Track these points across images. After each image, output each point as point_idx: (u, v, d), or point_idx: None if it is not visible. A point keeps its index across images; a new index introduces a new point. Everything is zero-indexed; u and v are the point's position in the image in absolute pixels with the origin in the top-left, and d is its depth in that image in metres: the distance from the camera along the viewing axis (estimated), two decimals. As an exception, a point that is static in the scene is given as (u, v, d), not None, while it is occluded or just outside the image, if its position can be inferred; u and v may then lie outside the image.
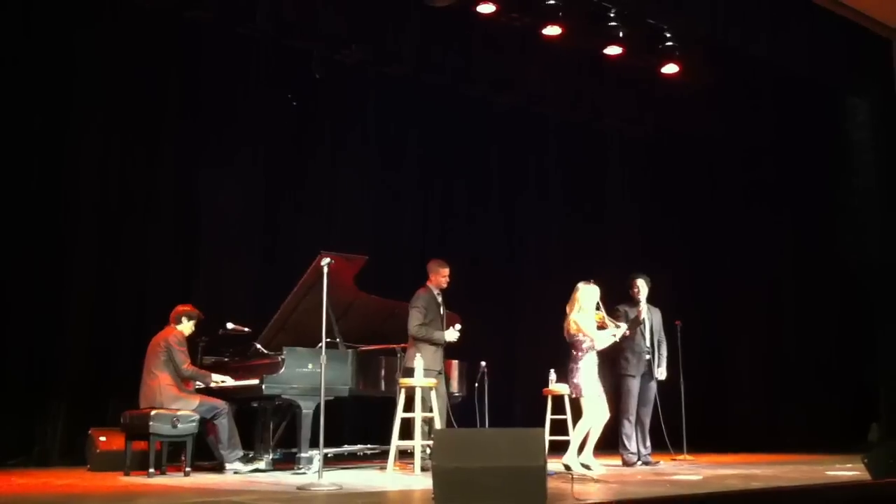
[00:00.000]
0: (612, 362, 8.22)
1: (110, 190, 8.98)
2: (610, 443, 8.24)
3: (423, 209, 11.18)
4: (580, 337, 7.17)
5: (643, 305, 8.28)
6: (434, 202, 11.35)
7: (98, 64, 8.91)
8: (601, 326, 7.38)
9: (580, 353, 7.16)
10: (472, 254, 10.87)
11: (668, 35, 9.71)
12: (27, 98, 8.48)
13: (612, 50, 9.68)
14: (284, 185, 10.12)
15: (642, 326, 8.23)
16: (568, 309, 7.31)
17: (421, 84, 10.45)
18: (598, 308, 7.35)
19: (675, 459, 8.69)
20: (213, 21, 9.05)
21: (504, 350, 10.94)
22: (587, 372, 7.13)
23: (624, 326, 7.60)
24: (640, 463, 8.05)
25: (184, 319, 7.50)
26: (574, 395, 7.32)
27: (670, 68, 10.02)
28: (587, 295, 7.29)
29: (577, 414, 7.43)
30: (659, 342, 8.37)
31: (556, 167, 12.36)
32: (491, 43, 9.78)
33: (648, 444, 8.25)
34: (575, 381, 7.15)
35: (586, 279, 7.38)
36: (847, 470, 6.74)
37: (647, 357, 8.24)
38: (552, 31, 9.33)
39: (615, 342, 7.54)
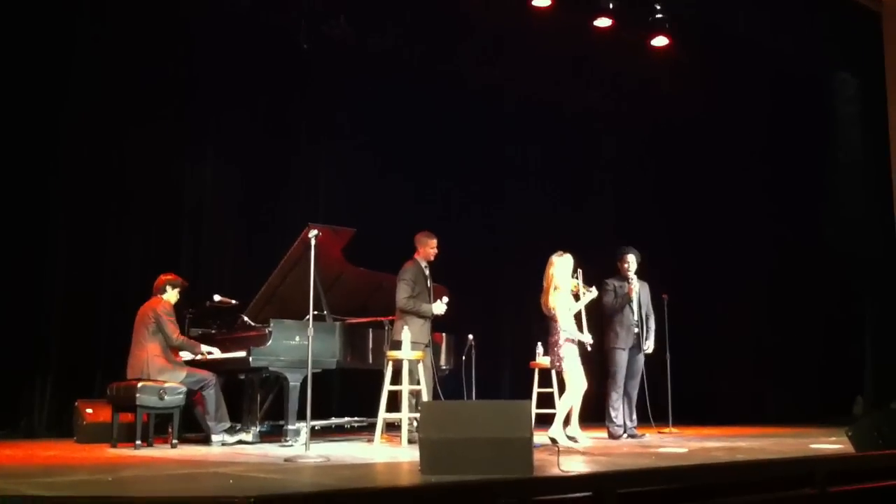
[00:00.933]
0: (601, 335, 8.24)
1: (88, 171, 8.93)
2: (596, 415, 8.28)
3: (411, 192, 11.10)
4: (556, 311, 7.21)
5: (634, 281, 8.26)
6: (422, 186, 11.27)
7: (84, 57, 8.88)
8: (576, 294, 7.36)
9: (559, 327, 7.16)
10: (459, 231, 10.78)
11: (658, 7, 9.67)
12: (9, 84, 8.43)
13: (602, 22, 9.62)
14: (271, 174, 10.11)
15: (630, 300, 8.25)
16: (545, 283, 7.29)
17: (409, 72, 10.42)
18: (574, 275, 7.33)
19: (660, 432, 8.73)
20: (204, 10, 9.06)
21: (491, 323, 10.95)
22: (567, 345, 7.14)
23: (594, 292, 7.53)
24: (625, 436, 8.08)
25: (168, 288, 7.48)
26: (556, 369, 7.34)
27: (660, 41, 9.97)
28: (561, 268, 7.23)
29: (564, 387, 7.46)
30: (647, 315, 8.39)
31: (544, 152, 12.34)
32: (480, 32, 9.77)
33: (634, 417, 8.27)
34: (557, 353, 7.17)
35: (560, 251, 7.34)
36: (831, 443, 6.79)
37: (636, 331, 8.24)
38: (542, 2, 9.28)
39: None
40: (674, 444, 7.20)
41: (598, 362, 8.20)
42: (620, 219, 12.31)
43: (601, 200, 12.65)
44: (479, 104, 11.37)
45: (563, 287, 7.21)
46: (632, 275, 8.29)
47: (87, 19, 8.96)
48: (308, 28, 9.56)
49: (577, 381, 7.10)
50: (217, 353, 7.54)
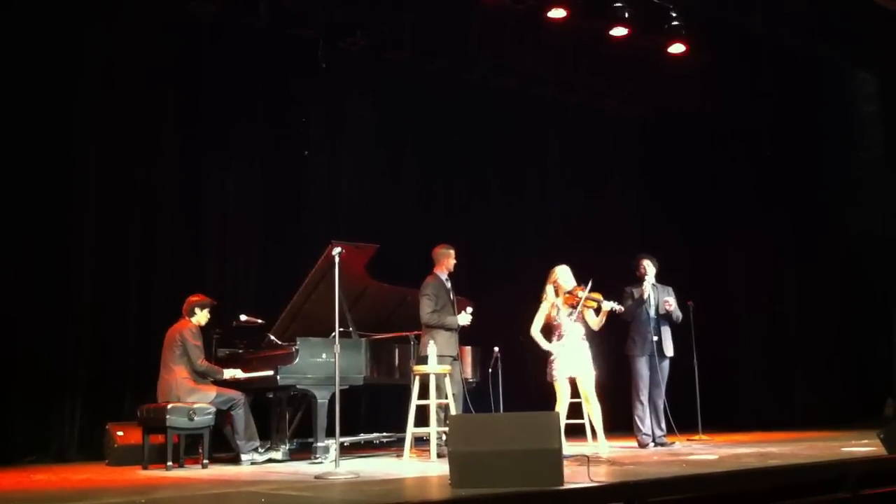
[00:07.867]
0: (621, 344, 8.23)
1: (113, 189, 8.95)
2: (625, 424, 8.25)
3: (424, 196, 11.15)
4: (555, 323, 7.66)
5: (647, 285, 8.14)
6: (436, 189, 11.32)
7: (101, 63, 8.90)
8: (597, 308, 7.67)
9: (552, 339, 7.65)
10: (475, 240, 10.73)
11: (675, 14, 9.65)
12: (30, 98, 8.43)
13: (618, 31, 9.61)
14: (286, 179, 10.13)
15: (647, 306, 8.14)
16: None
17: (419, 70, 10.44)
18: (583, 287, 7.59)
19: (689, 440, 8.68)
20: (216, 15, 9.07)
21: (515, 335, 10.93)
22: (557, 357, 7.59)
23: (610, 304, 7.65)
24: (653, 444, 8.01)
25: (196, 310, 7.51)
26: (550, 380, 7.69)
27: (677, 48, 9.95)
28: (554, 277, 7.73)
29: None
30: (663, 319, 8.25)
31: (557, 150, 12.32)
32: (489, 26, 9.79)
33: (663, 425, 8.12)
34: (549, 367, 7.65)
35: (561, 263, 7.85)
36: (863, 446, 6.74)
37: (654, 338, 8.03)
38: (557, 13, 9.31)
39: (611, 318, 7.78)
40: (704, 452, 7.17)
41: (622, 371, 8.18)
42: (631, 223, 12.27)
43: (615, 206, 12.52)
44: (490, 103, 11.29)
45: (550, 297, 7.72)
46: (649, 281, 8.18)
47: (111, 23, 8.94)
48: (325, 44, 9.60)
49: (564, 395, 7.54)
50: (241, 375, 7.56)
